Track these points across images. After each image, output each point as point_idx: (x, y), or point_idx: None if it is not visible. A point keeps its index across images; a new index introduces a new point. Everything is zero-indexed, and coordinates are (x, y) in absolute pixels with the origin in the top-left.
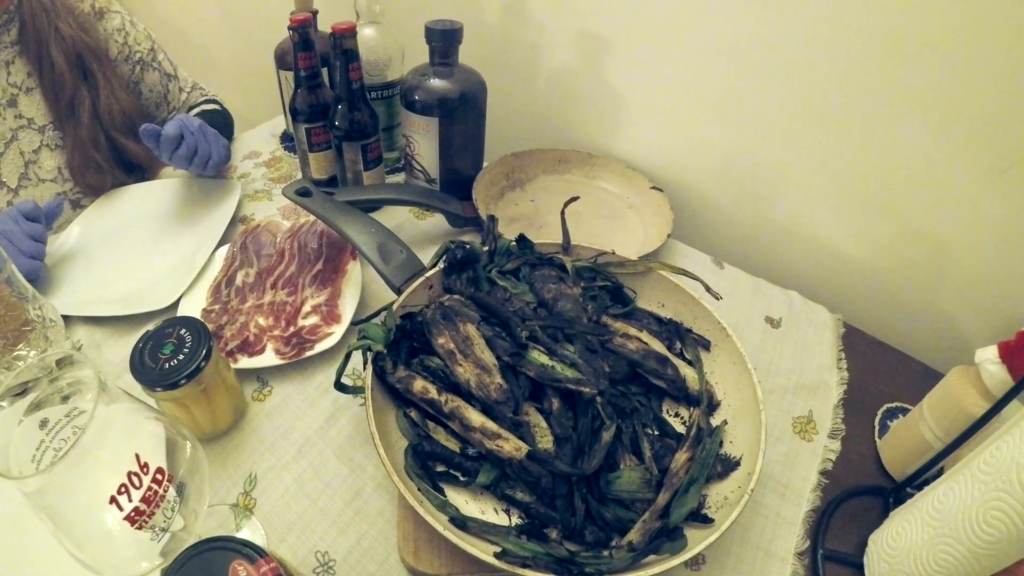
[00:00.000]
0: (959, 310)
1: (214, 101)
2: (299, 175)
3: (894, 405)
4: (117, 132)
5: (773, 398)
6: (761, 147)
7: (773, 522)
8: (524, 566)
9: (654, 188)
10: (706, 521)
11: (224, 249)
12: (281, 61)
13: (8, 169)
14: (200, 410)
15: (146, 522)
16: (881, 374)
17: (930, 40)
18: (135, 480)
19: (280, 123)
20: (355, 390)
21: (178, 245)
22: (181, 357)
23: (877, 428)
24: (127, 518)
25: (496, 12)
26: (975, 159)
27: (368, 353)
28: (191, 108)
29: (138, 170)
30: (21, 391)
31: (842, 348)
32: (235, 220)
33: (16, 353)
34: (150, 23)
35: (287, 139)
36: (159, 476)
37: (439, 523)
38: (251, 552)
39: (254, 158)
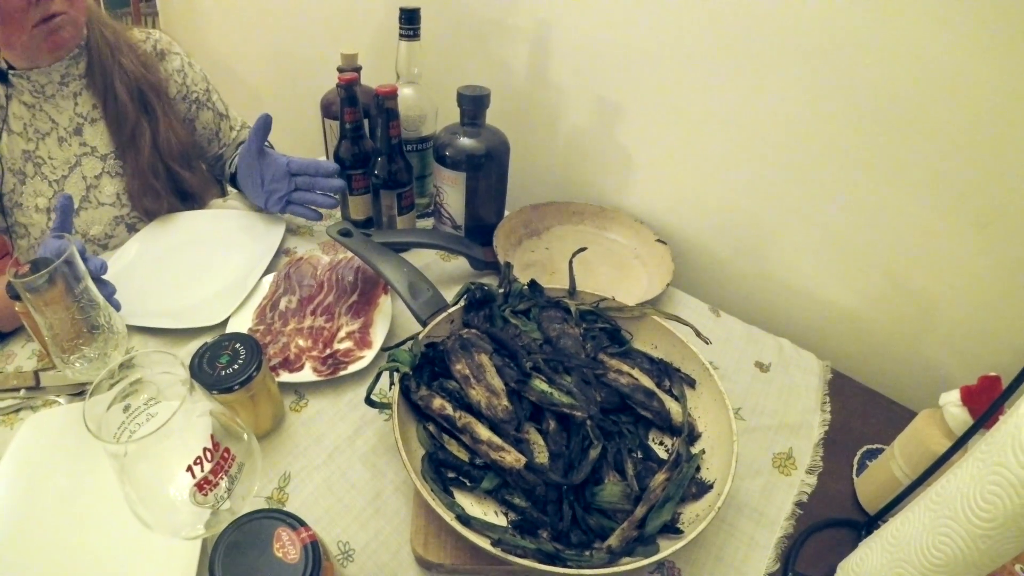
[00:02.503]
0: (943, 358)
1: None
2: (339, 215)
3: (874, 446)
4: (173, 162)
5: (756, 435)
6: (758, 205)
7: (747, 545)
8: (516, 555)
9: (659, 241)
10: (677, 532)
11: (270, 277)
12: (327, 110)
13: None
14: (246, 414)
15: (211, 489)
16: (864, 417)
17: (914, 111)
18: (208, 455)
19: None
20: (382, 406)
21: (227, 270)
22: (236, 367)
23: (856, 467)
24: (197, 484)
25: (521, 77)
26: (957, 216)
27: (396, 374)
28: (239, 144)
29: (190, 198)
30: (80, 391)
31: (827, 392)
32: (279, 252)
33: (81, 353)
34: (201, 57)
35: None
36: (226, 454)
37: (448, 517)
38: (292, 521)
39: None
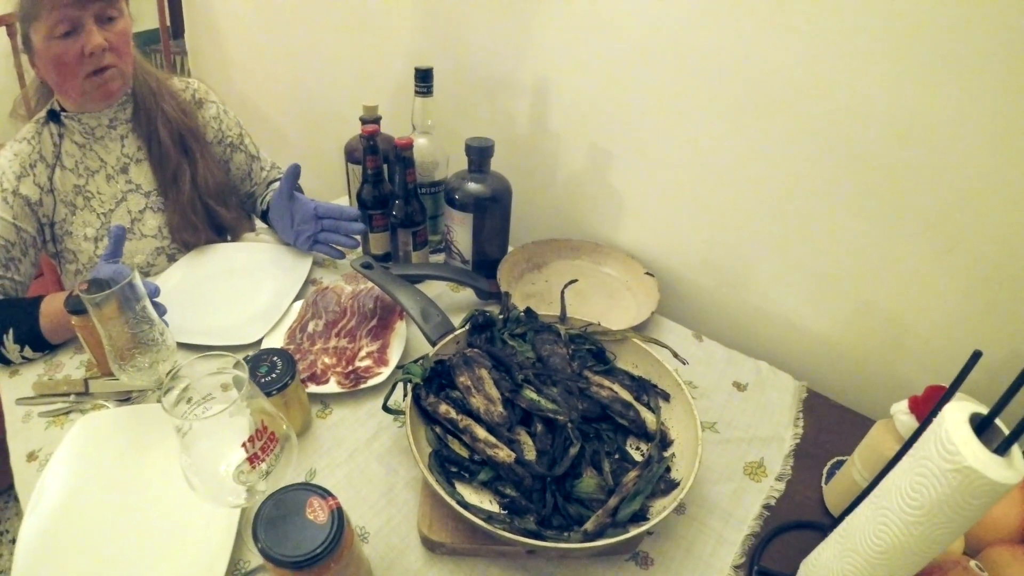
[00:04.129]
0: (913, 374)
1: None
2: (360, 250)
3: (843, 458)
4: (211, 200)
5: (729, 446)
6: (738, 240)
7: (715, 540)
8: (505, 530)
9: (648, 273)
10: (644, 519)
11: (299, 303)
12: (350, 156)
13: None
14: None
15: (259, 463)
16: (837, 432)
17: (880, 153)
18: (259, 435)
19: (343, 203)
20: (397, 412)
21: (261, 296)
22: (273, 375)
23: (825, 476)
24: (249, 458)
25: (523, 127)
26: (923, 242)
27: (409, 384)
28: (269, 183)
29: (225, 231)
30: (126, 398)
31: (801, 410)
32: (307, 281)
33: (136, 363)
34: (228, 95)
35: None
36: (272, 437)
37: (451, 501)
38: (322, 492)
39: None
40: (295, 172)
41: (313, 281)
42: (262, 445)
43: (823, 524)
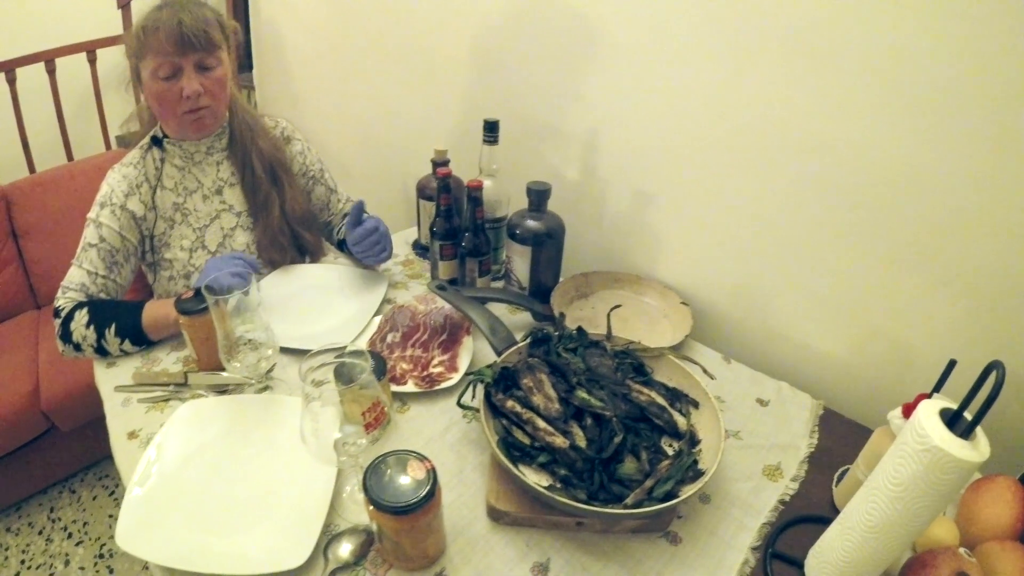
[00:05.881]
0: (915, 390)
1: (364, 212)
2: (428, 275)
3: (851, 466)
4: (296, 224)
5: (750, 451)
6: (764, 274)
7: (736, 526)
8: (561, 496)
9: (682, 303)
10: (675, 498)
11: (378, 318)
12: (421, 192)
13: (210, 238)
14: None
15: (372, 430)
16: (847, 444)
17: (887, 200)
18: (375, 408)
19: (410, 233)
20: (470, 408)
21: (344, 310)
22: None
23: (836, 480)
24: (366, 424)
25: (574, 171)
26: (924, 277)
27: (481, 384)
28: (344, 215)
29: (307, 253)
30: (222, 390)
31: (817, 424)
32: (383, 300)
33: (242, 358)
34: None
35: (417, 246)
36: (382, 412)
37: (517, 472)
38: (420, 455)
39: (394, 259)
40: (360, 207)
41: (388, 300)
42: (375, 416)
43: (830, 519)
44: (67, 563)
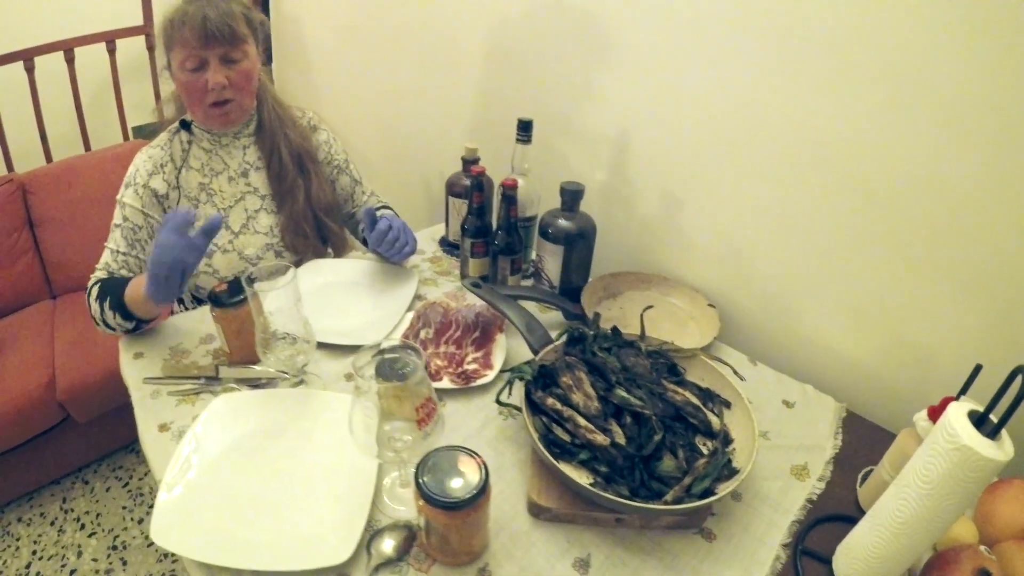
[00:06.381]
0: (937, 393)
1: (388, 207)
2: (456, 272)
3: (875, 467)
4: (321, 212)
5: (779, 451)
6: (788, 278)
7: (767, 523)
8: (604, 491)
9: (710, 305)
10: (712, 495)
11: (410, 314)
12: (450, 189)
13: (234, 218)
14: (393, 404)
15: (424, 425)
16: (870, 446)
17: (910, 207)
18: (428, 404)
19: (437, 230)
20: (508, 405)
21: (376, 305)
22: (408, 369)
23: (860, 480)
24: (418, 420)
25: (604, 172)
26: (946, 283)
27: (521, 381)
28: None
29: (328, 243)
30: (255, 384)
31: (841, 426)
32: (414, 296)
33: (278, 351)
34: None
35: (445, 243)
36: (434, 408)
37: (560, 467)
38: (471, 451)
39: (420, 255)
40: (370, 212)
41: (419, 296)
42: (427, 412)
43: (856, 518)
44: (80, 554)
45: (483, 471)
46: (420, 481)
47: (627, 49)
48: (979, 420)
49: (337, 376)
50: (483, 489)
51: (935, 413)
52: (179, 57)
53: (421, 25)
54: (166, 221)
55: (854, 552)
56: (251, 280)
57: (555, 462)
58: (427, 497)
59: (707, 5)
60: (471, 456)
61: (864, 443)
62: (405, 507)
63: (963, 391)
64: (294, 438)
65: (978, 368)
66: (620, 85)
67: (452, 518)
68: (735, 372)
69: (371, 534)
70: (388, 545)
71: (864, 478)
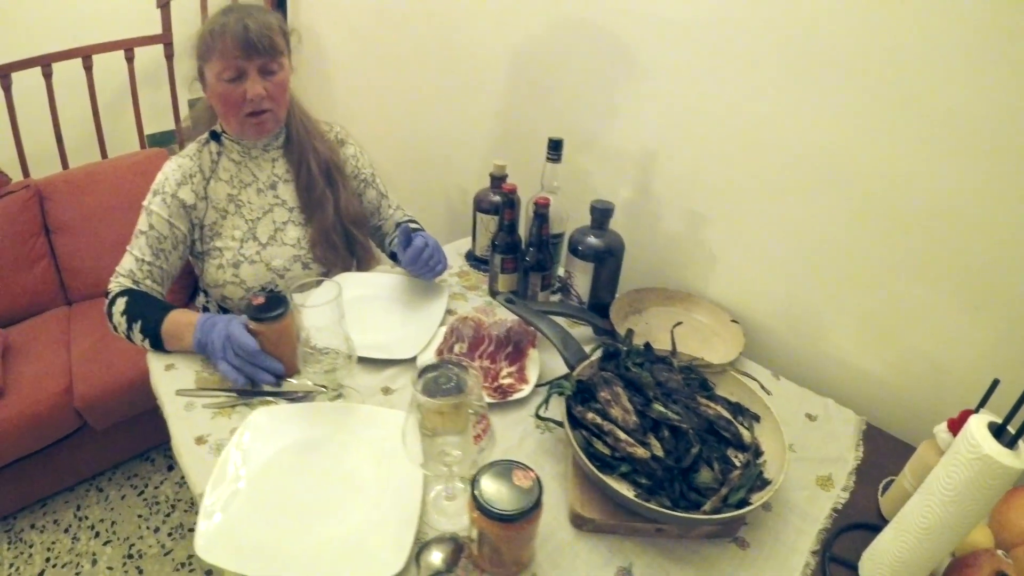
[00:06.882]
0: (952, 406)
1: (414, 221)
2: (484, 287)
3: (894, 477)
4: (350, 224)
5: (804, 463)
6: (809, 295)
7: (796, 531)
8: (648, 502)
9: (733, 321)
10: (747, 505)
11: (443, 329)
12: (478, 204)
13: (262, 230)
14: (444, 419)
15: (479, 440)
16: (889, 457)
17: (925, 231)
18: (483, 420)
19: (462, 244)
20: (548, 420)
21: (408, 319)
22: (451, 385)
23: (881, 490)
24: (474, 436)
25: (630, 190)
26: (960, 301)
27: (561, 396)
28: (397, 224)
29: (356, 255)
30: (293, 397)
31: (861, 438)
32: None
33: (318, 365)
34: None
35: (471, 257)
36: (488, 424)
37: (604, 479)
38: (524, 466)
39: (447, 270)
40: (406, 229)
41: (449, 311)
42: (483, 428)
43: (879, 526)
44: (95, 563)
45: (537, 484)
46: (476, 493)
47: (651, 68)
48: (998, 431)
49: (374, 390)
50: (538, 502)
51: (955, 425)
52: (216, 68)
53: (442, 40)
54: (233, 338)
55: (880, 557)
56: (300, 288)
57: (600, 475)
58: (484, 509)
59: (732, 26)
60: (524, 470)
61: (883, 454)
62: (447, 519)
63: (982, 404)
64: (338, 451)
65: (995, 383)
66: (644, 103)
67: (507, 530)
68: (762, 387)
69: (419, 547)
70: (436, 557)
71: (885, 488)
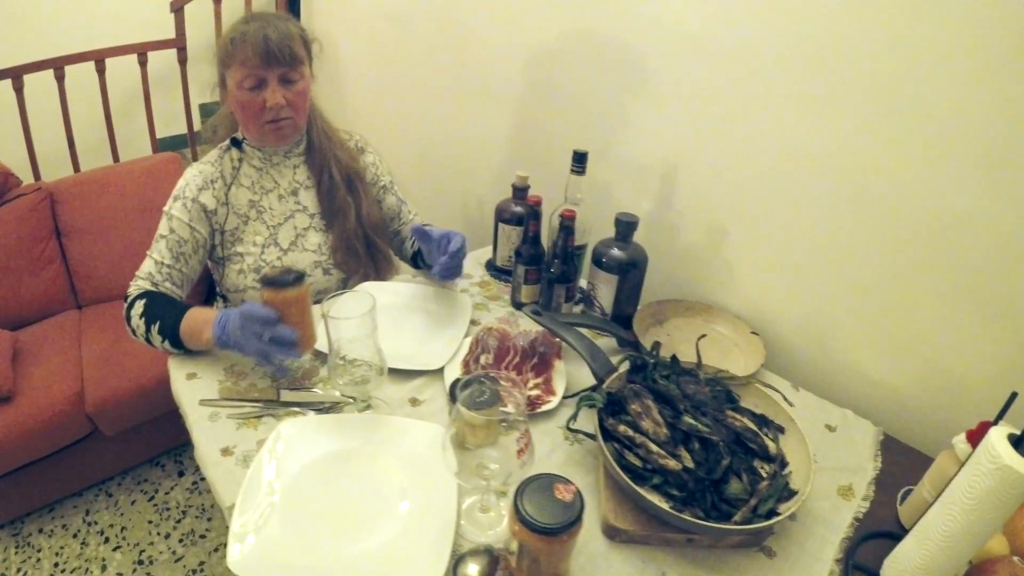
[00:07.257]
0: (969, 418)
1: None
2: (506, 297)
3: (912, 487)
4: (371, 231)
5: (825, 473)
6: (828, 308)
7: (821, 539)
8: (681, 512)
9: (753, 332)
10: (776, 515)
11: (468, 339)
12: (499, 215)
13: (283, 236)
14: (483, 433)
15: (522, 456)
16: (907, 467)
17: (940, 247)
18: (526, 434)
19: (482, 253)
20: (579, 431)
21: (432, 329)
22: (486, 396)
23: (899, 499)
24: (517, 451)
25: (651, 202)
26: (978, 314)
27: (592, 409)
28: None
29: (376, 263)
30: (320, 408)
31: (880, 449)
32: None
33: (350, 377)
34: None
35: (491, 267)
36: (530, 439)
37: (639, 490)
38: (565, 480)
39: (468, 279)
40: (419, 228)
41: (473, 321)
42: (525, 442)
43: (899, 534)
44: (104, 568)
45: (579, 498)
46: (518, 505)
47: (671, 80)
48: (1017, 442)
49: (401, 401)
50: (579, 515)
51: (973, 436)
52: (237, 76)
53: (458, 49)
54: (247, 313)
55: (902, 565)
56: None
57: (635, 486)
58: (526, 522)
59: (751, 40)
60: (565, 483)
61: (901, 464)
62: (482, 531)
63: (1000, 416)
64: (370, 463)
65: (1014, 395)
66: (664, 115)
67: (549, 543)
68: (784, 398)
69: (455, 559)
70: (473, 569)
71: (903, 497)
